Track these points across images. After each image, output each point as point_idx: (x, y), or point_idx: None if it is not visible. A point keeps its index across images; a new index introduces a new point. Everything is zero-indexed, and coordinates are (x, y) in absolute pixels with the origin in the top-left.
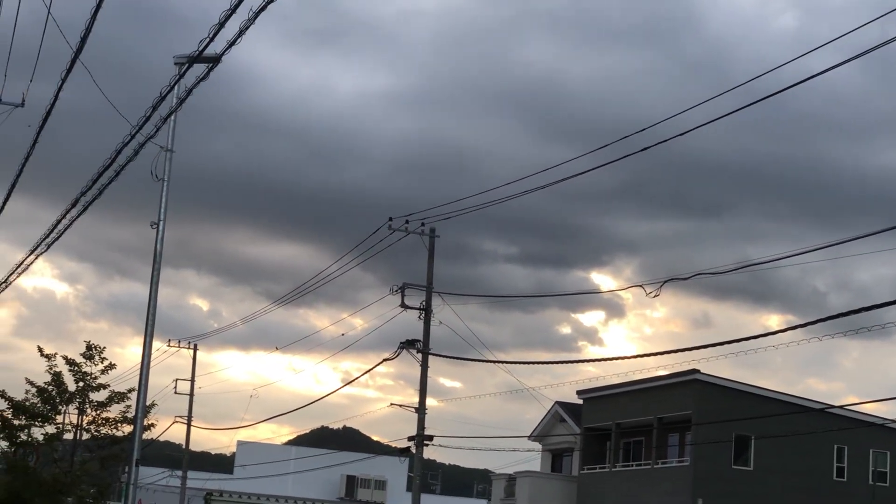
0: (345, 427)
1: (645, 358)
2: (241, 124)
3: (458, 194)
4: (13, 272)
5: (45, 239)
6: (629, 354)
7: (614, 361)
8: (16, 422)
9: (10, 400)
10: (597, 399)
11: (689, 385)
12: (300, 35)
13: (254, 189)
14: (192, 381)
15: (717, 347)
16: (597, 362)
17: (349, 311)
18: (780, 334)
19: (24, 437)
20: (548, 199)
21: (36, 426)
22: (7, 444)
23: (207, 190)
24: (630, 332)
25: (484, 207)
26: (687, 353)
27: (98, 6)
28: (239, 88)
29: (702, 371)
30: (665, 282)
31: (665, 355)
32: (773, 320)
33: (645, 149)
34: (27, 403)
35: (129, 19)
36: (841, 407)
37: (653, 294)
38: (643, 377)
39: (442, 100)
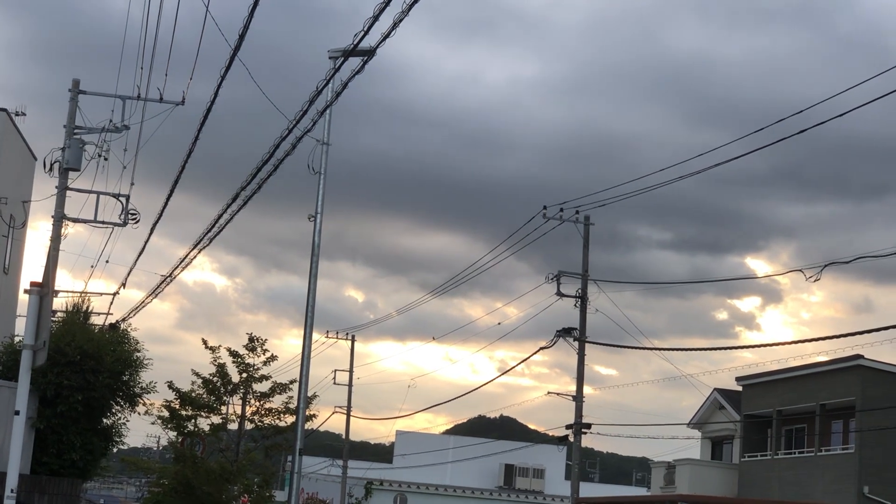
0: (502, 416)
1: (805, 344)
2: (392, 116)
3: (610, 181)
4: (177, 266)
5: (207, 233)
6: (789, 340)
7: (773, 348)
8: (183, 412)
9: (177, 391)
10: (757, 386)
11: (852, 371)
12: (449, 25)
13: (406, 180)
14: (350, 371)
15: (881, 332)
16: (755, 348)
17: (504, 300)
18: None
19: (191, 427)
20: (702, 185)
21: (202, 416)
22: (175, 433)
23: (361, 182)
24: (788, 318)
25: (638, 194)
26: (848, 338)
27: (255, 4)
28: (390, 80)
29: (865, 356)
30: (826, 265)
31: (824, 341)
32: None
33: (802, 131)
34: (194, 395)
35: (282, 15)
36: None
37: (813, 278)
38: (804, 363)
39: (592, 86)
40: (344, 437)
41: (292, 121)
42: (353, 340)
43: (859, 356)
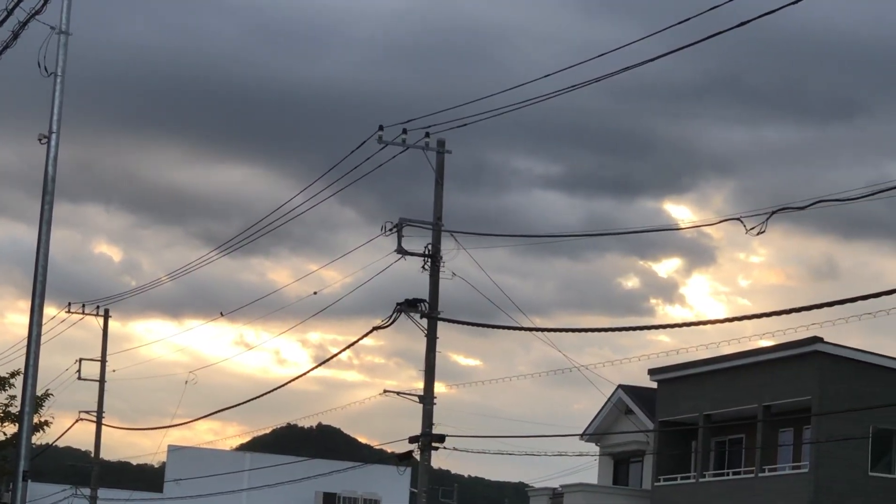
0: (320, 424)
1: (743, 322)
2: None
3: (477, 92)
4: None
5: None
6: (720, 317)
7: (700, 328)
8: None
9: None
10: (677, 381)
11: (808, 360)
12: None
13: (184, 89)
14: (103, 361)
15: (847, 305)
16: (676, 329)
17: (322, 260)
18: None
19: None
20: (603, 98)
21: None
22: None
23: (118, 90)
24: (721, 286)
25: (513, 109)
26: (804, 313)
27: None
28: None
29: (826, 340)
30: (773, 212)
31: (770, 318)
32: None
33: (744, 23)
34: None
35: None
36: None
37: (756, 230)
38: (742, 349)
39: None
40: (93, 454)
41: None
42: (106, 317)
43: (817, 339)
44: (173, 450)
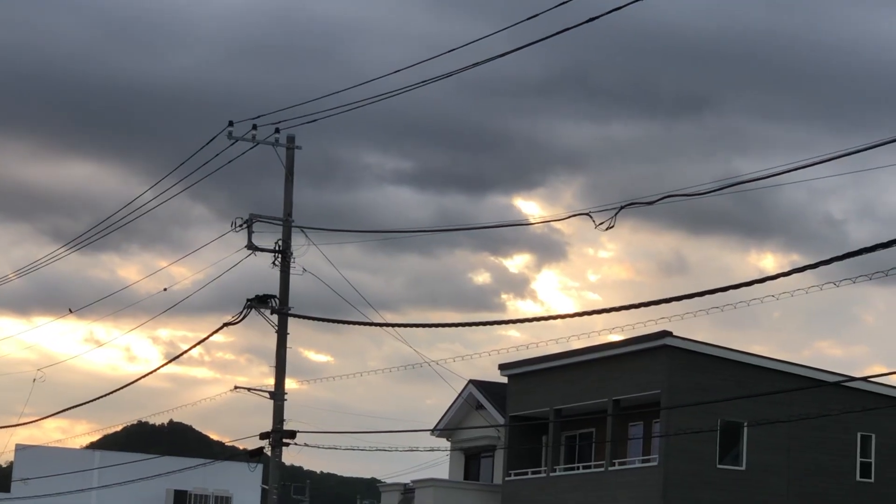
0: (171, 422)
1: (592, 316)
2: None
3: (326, 87)
4: None
5: None
6: (570, 312)
7: (550, 322)
8: None
9: None
10: (527, 376)
11: (656, 354)
12: None
13: (31, 85)
14: None
15: (695, 300)
16: (526, 324)
17: (173, 256)
18: (780, 279)
19: None
20: (453, 94)
21: None
22: None
23: None
24: (571, 281)
25: (362, 105)
26: (653, 308)
27: None
28: None
29: (674, 334)
30: (622, 207)
31: (622, 312)
32: (771, 261)
33: (592, 19)
34: None
35: None
36: (865, 379)
37: (604, 225)
38: (591, 344)
39: None
40: None
41: None
42: None
43: (666, 333)
44: (21, 449)
